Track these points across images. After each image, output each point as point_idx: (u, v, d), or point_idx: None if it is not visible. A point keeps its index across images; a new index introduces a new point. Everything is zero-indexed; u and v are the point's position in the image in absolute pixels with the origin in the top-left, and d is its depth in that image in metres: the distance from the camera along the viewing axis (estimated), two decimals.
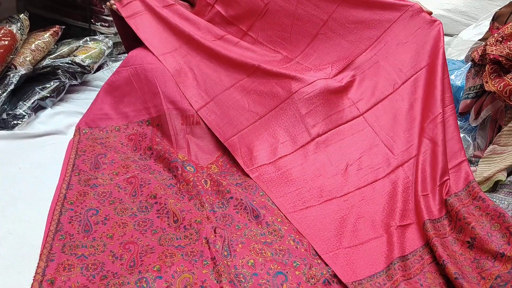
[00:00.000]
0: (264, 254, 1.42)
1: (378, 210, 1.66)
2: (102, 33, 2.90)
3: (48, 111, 2.19)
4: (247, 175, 1.83)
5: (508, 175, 1.73)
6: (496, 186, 1.74)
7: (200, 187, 1.73)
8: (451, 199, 1.64)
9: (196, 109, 2.03)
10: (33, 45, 2.28)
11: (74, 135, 2.03)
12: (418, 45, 1.93)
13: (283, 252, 1.45)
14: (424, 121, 1.84)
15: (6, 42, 2.08)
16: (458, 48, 3.02)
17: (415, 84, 1.89)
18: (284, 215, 1.64)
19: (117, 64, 2.73)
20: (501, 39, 1.90)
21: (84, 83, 2.61)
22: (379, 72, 1.98)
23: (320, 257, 1.46)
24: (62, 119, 2.16)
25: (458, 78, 2.55)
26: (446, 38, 3.34)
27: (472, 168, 1.85)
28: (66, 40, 2.63)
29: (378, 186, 1.74)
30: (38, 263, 1.28)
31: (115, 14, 2.32)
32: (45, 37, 2.37)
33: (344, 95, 1.99)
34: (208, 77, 2.11)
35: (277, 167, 1.85)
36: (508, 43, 1.87)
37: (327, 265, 1.43)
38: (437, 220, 1.61)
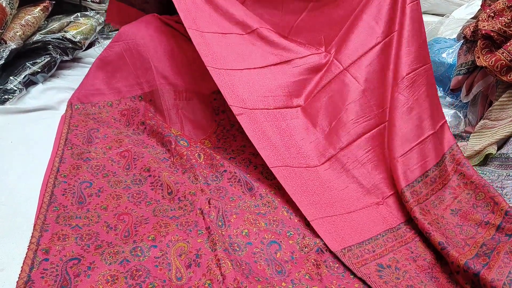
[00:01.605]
0: (258, 224, 1.44)
1: (366, 176, 1.67)
2: (93, 9, 2.86)
3: (40, 86, 2.17)
4: (241, 150, 1.83)
5: (498, 149, 1.75)
6: (486, 160, 1.77)
7: (194, 160, 1.73)
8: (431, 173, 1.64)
9: (187, 27, 1.86)
10: (23, 20, 2.25)
11: (66, 110, 2.02)
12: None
13: (277, 223, 1.47)
14: (397, 78, 1.76)
15: None
16: (450, 27, 3.01)
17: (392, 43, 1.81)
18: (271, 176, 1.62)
19: (109, 41, 2.70)
20: (493, 15, 1.90)
21: (76, 60, 2.59)
22: (362, 27, 1.89)
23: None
24: (53, 95, 2.14)
25: (450, 56, 2.56)
26: (438, 18, 3.34)
27: (463, 142, 1.87)
28: (57, 16, 2.59)
29: (362, 144, 1.72)
30: (33, 233, 1.28)
31: None
32: (35, 12, 2.34)
33: (332, 63, 1.94)
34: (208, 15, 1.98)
35: (262, 113, 1.77)
36: (500, 18, 1.87)
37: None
38: (421, 177, 1.61)
